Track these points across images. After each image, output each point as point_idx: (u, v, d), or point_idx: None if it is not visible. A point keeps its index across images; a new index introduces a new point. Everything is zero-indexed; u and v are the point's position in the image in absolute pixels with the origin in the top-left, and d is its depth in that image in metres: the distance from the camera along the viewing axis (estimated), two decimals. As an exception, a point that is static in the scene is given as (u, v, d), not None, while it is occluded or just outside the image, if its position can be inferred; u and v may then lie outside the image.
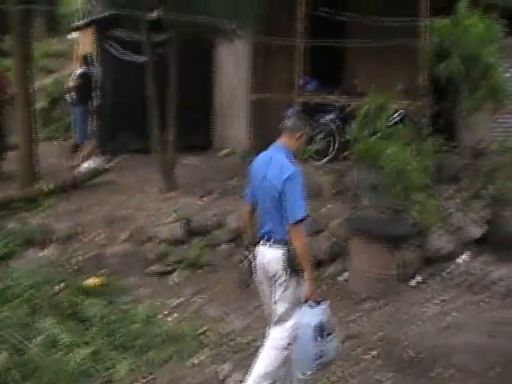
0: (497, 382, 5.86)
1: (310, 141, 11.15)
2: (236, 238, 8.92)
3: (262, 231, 5.25)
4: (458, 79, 10.58)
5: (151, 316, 7.18)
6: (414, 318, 7.29)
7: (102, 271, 8.39)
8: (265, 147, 11.60)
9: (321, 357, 4.97)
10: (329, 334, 5.00)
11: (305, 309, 5.00)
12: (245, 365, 6.23)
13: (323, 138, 11.55)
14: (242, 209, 5.83)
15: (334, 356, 5.22)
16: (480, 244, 9.40)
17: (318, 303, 5.05)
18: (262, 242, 5.23)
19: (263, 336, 6.70)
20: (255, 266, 5.32)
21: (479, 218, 9.51)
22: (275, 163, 5.12)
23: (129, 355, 6.33)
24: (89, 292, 7.47)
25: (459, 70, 10.15)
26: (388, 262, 7.99)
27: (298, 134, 5.31)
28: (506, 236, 9.47)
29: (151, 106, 10.23)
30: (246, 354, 6.53)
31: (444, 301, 7.91)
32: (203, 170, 11.91)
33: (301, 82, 11.54)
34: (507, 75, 13.68)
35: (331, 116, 11.76)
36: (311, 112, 11.81)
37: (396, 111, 11.25)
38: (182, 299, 7.90)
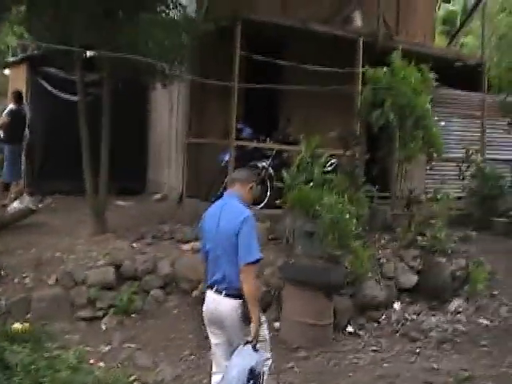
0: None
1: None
2: (167, 284, 8.75)
3: (213, 280, 5.28)
4: (391, 128, 10.76)
5: (79, 363, 6.87)
6: (346, 368, 7.23)
7: (29, 316, 8.08)
8: (199, 191, 11.68)
9: None
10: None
11: (247, 348, 4.99)
12: (174, 417, 6.14)
13: (258, 184, 11.47)
14: (200, 264, 5.77)
15: None
16: (412, 293, 9.47)
17: (256, 350, 5.02)
18: (213, 290, 5.27)
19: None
20: (204, 313, 5.40)
21: (411, 267, 9.58)
22: (229, 208, 5.30)
23: (54, 406, 6.04)
24: (14, 338, 7.14)
25: (392, 119, 10.30)
26: (321, 311, 7.93)
27: (249, 185, 5.49)
28: (436, 285, 9.56)
29: (83, 148, 10.01)
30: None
31: (377, 350, 7.89)
32: (136, 213, 11.71)
33: (237, 127, 11.52)
34: (442, 124, 14.12)
35: (266, 162, 11.74)
36: (246, 158, 11.82)
37: (330, 160, 11.34)
38: (112, 346, 7.67)
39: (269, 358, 5.47)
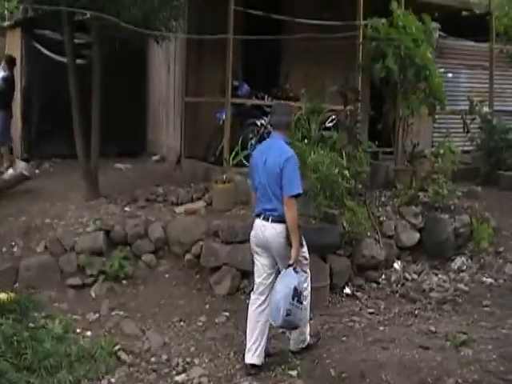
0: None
1: (243, 145, 10.83)
2: (159, 248, 8.52)
3: (262, 209, 6.14)
4: (393, 81, 10.40)
5: (65, 333, 6.69)
6: (340, 332, 6.96)
7: (16, 285, 7.90)
8: (198, 151, 11.42)
9: (288, 315, 5.80)
10: (301, 303, 5.89)
11: (289, 271, 5.88)
12: (159, 386, 5.94)
13: (256, 142, 11.20)
14: (251, 196, 6.60)
15: (301, 321, 6.07)
16: (413, 252, 9.21)
17: (297, 271, 5.93)
18: (261, 218, 6.13)
19: (179, 355, 6.44)
20: (252, 238, 6.26)
21: (412, 225, 9.29)
22: (275, 148, 6.13)
23: (35, 378, 5.85)
24: (-2, 309, 6.95)
25: (394, 71, 9.92)
26: (315, 273, 7.56)
27: (286, 125, 6.32)
28: (439, 243, 9.29)
29: (73, 110, 9.74)
30: (162, 374, 6.19)
31: (374, 313, 7.65)
32: (133, 176, 11.47)
33: (235, 84, 11.20)
34: (449, 75, 13.71)
35: (264, 120, 11.42)
36: (244, 115, 11.53)
37: (329, 116, 11.02)
38: (100, 314, 7.49)
39: (308, 276, 6.35)
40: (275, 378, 6.01)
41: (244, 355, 6.25)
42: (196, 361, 6.39)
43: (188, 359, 6.41)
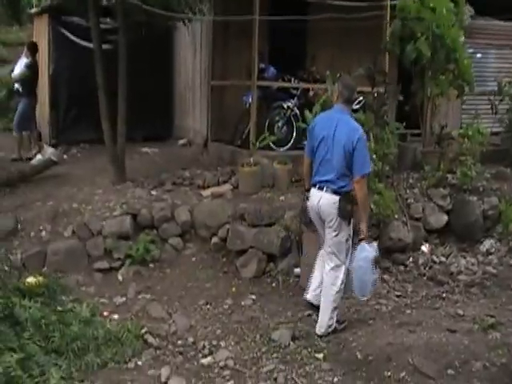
0: (452, 382, 5.51)
1: (269, 128, 10.80)
2: (186, 231, 8.52)
3: (319, 179, 6.33)
4: (423, 63, 10.26)
5: (92, 316, 6.74)
6: (366, 315, 6.94)
7: (44, 270, 7.94)
8: (224, 135, 11.41)
9: (373, 285, 6.43)
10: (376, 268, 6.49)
11: (363, 245, 6.25)
12: (185, 368, 5.98)
13: (283, 125, 11.18)
14: (304, 161, 6.74)
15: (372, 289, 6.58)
16: (441, 234, 9.12)
17: (371, 242, 6.46)
18: (316, 188, 6.35)
19: (205, 337, 6.44)
20: (309, 207, 6.52)
21: (440, 207, 9.20)
22: (345, 123, 6.23)
23: (62, 360, 5.90)
24: (27, 292, 6.99)
25: (425, 52, 9.78)
26: (341, 256, 7.60)
27: (352, 101, 6.59)
28: (467, 225, 9.19)
29: (100, 96, 9.78)
30: (188, 357, 6.20)
31: (401, 295, 7.61)
32: (160, 160, 11.52)
33: (261, 66, 11.14)
34: (478, 56, 13.52)
35: (291, 103, 11.36)
36: (271, 98, 11.49)
37: (356, 98, 10.91)
38: (127, 297, 7.51)
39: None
40: (301, 360, 6.00)
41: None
42: (222, 344, 6.39)
43: (214, 342, 6.41)
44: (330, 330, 6.44)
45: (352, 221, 6.36)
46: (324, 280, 6.49)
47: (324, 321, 6.43)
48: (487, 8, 12.98)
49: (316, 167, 6.39)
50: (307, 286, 6.81)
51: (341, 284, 6.40)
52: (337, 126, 6.20)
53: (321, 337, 6.44)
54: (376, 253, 6.38)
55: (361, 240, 6.24)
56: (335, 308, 6.43)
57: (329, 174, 6.23)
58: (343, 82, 6.58)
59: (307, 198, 6.59)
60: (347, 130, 6.15)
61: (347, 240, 6.39)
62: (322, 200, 6.27)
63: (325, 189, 6.24)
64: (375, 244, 6.57)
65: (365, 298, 6.66)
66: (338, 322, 6.53)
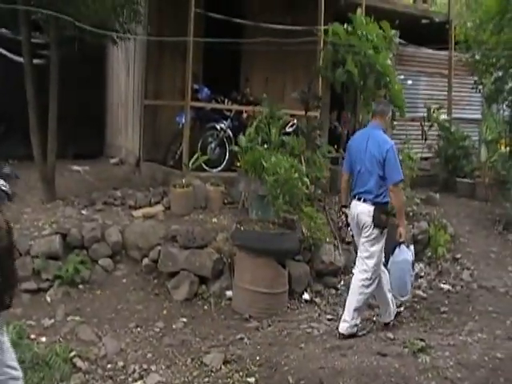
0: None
1: (202, 149, 10.75)
2: (116, 252, 8.38)
3: (357, 191, 6.88)
4: (354, 88, 10.39)
5: (18, 339, 6.51)
6: (298, 339, 6.88)
7: (-32, 291, 7.66)
8: (157, 154, 11.29)
9: (412, 285, 7.00)
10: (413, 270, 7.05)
11: (402, 248, 6.86)
12: (115, 393, 5.83)
13: (216, 146, 11.14)
14: (341, 176, 7.46)
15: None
16: (372, 258, 9.15)
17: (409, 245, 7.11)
18: (355, 199, 6.89)
19: (136, 361, 6.32)
20: (350, 218, 7.04)
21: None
22: (375, 138, 6.77)
23: (-14, 386, 5.69)
24: None
25: (355, 75, 9.91)
26: (274, 279, 7.60)
27: (387, 116, 7.13)
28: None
29: (30, 111, 9.56)
30: (118, 381, 6.06)
31: (333, 319, 7.58)
32: (90, 178, 11.30)
33: (195, 87, 11.10)
34: (409, 82, 13.79)
35: (224, 124, 11.34)
36: (204, 119, 11.44)
37: (289, 121, 10.99)
38: (56, 319, 7.28)
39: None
40: (233, 384, 5.94)
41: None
42: (153, 367, 6.26)
43: (145, 366, 6.28)
44: (351, 330, 6.88)
45: (385, 231, 6.83)
46: (353, 281, 7.00)
47: (347, 320, 6.88)
48: (418, 37, 13.29)
49: (355, 180, 6.98)
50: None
51: (367, 287, 6.87)
52: (368, 139, 6.80)
53: (343, 335, 6.84)
54: (413, 256, 7.03)
55: (401, 243, 6.83)
56: (357, 308, 6.88)
57: (364, 186, 6.78)
58: (377, 101, 7.87)
59: (343, 213, 7.24)
60: (377, 142, 6.70)
61: (380, 250, 6.85)
62: (359, 209, 6.80)
63: (362, 199, 6.78)
64: (412, 247, 7.18)
65: (404, 298, 7.13)
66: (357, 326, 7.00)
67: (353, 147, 7.05)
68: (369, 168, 6.73)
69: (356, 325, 6.91)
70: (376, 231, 6.74)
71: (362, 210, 6.77)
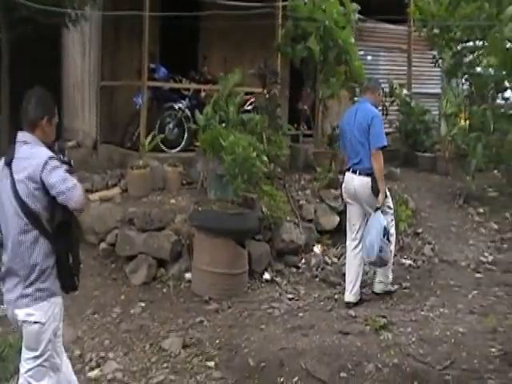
0: (344, 385, 5.46)
1: (161, 129, 10.56)
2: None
3: (351, 163, 7.13)
4: (314, 63, 10.29)
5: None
6: (259, 320, 6.80)
7: None
8: (115, 136, 11.07)
9: (381, 251, 6.82)
10: (388, 240, 6.92)
11: (378, 212, 6.93)
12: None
13: (174, 126, 10.94)
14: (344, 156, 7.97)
15: (389, 259, 7.17)
16: (334, 235, 9.12)
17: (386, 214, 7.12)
18: (350, 171, 7.14)
19: (92, 349, 6.18)
20: (343, 189, 7.28)
21: (332, 208, 9.21)
22: (363, 109, 7.14)
23: None
24: None
25: (316, 52, 9.80)
26: (233, 259, 7.48)
27: (377, 92, 7.51)
28: (359, 226, 9.23)
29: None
30: (75, 370, 5.86)
31: (294, 298, 7.52)
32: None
33: (151, 67, 10.87)
34: (368, 58, 13.70)
35: (182, 104, 11.14)
36: (162, 99, 11.23)
37: (248, 99, 10.84)
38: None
39: (393, 220, 7.44)
40: (192, 369, 5.82)
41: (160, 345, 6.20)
42: (110, 355, 6.12)
43: (102, 354, 6.14)
44: (385, 288, 7.45)
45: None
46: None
47: (382, 279, 7.43)
48: (377, 12, 13.16)
49: (348, 153, 7.27)
50: (345, 287, 7.33)
51: (392, 242, 7.24)
52: (357, 112, 7.16)
53: (378, 294, 7.44)
54: (389, 223, 7.06)
55: (377, 209, 6.93)
56: (390, 266, 7.39)
57: (356, 157, 7.04)
58: (367, 81, 8.34)
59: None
60: (364, 112, 7.04)
61: (388, 207, 7.26)
62: (356, 183, 7.04)
63: (357, 172, 7.02)
64: (390, 218, 7.24)
65: (370, 260, 7.04)
66: (391, 283, 7.54)
67: (344, 123, 7.39)
68: (358, 138, 6.99)
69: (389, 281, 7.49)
70: (375, 198, 6.97)
71: (359, 183, 7.00)
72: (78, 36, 12.32)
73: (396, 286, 7.59)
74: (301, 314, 6.97)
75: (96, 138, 11.72)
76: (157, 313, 6.94)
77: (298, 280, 8.14)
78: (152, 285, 7.69)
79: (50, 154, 3.99)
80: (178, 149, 10.83)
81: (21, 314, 4.07)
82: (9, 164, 4.01)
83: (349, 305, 7.11)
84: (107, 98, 11.79)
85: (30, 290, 4.01)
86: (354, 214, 7.26)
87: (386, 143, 6.99)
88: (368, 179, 6.93)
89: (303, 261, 8.53)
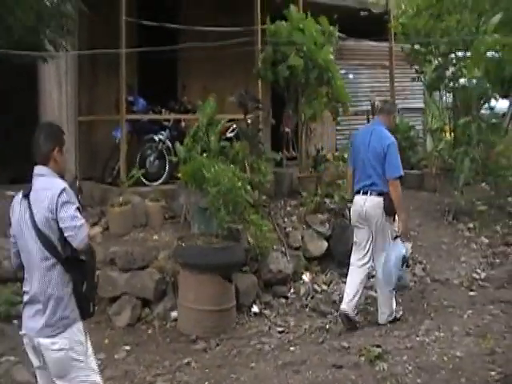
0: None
1: (141, 163, 10.36)
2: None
3: (362, 185, 7.12)
4: (296, 83, 10.17)
5: None
6: (248, 357, 6.57)
7: None
8: (94, 172, 10.85)
9: (399, 280, 6.96)
10: (407, 267, 7.29)
11: (397, 241, 6.97)
12: None
13: (155, 159, 10.73)
14: (346, 172, 7.87)
15: (408, 284, 7.56)
16: (322, 261, 8.95)
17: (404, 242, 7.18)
18: (360, 193, 7.12)
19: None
20: (353, 212, 7.30)
21: (319, 233, 9.03)
22: (377, 133, 7.10)
23: None
24: None
25: (299, 67, 9.67)
26: (220, 295, 7.27)
27: (392, 116, 7.53)
28: (348, 250, 8.92)
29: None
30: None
31: (284, 331, 7.31)
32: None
33: (129, 99, 10.69)
34: (350, 76, 13.59)
35: (163, 135, 10.94)
36: (142, 131, 11.05)
37: (229, 126, 10.67)
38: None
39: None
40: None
41: None
42: (94, 404, 5.88)
43: (85, 403, 5.90)
44: (390, 318, 7.26)
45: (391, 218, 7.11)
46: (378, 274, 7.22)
47: (385, 311, 7.26)
48: (358, 30, 13.07)
49: (358, 175, 7.22)
50: (343, 298, 7.31)
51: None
52: (371, 134, 7.12)
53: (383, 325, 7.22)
54: (407, 252, 7.20)
55: (397, 237, 6.99)
56: (393, 296, 7.27)
57: (368, 179, 7.04)
58: (384, 100, 8.51)
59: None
60: (380, 137, 7.03)
61: (389, 234, 7.11)
62: (367, 203, 7.01)
63: (369, 193, 7.01)
64: (409, 245, 7.53)
65: (389, 289, 7.07)
66: (397, 310, 7.39)
67: (356, 142, 7.37)
68: (372, 162, 7.00)
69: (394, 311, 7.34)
70: (387, 220, 7.01)
71: (371, 204, 7.00)
72: (54, 69, 12.13)
73: (401, 313, 7.42)
74: (292, 349, 6.76)
75: (75, 174, 11.49)
76: (142, 356, 6.70)
77: (287, 311, 7.93)
78: (137, 326, 7.45)
79: (64, 185, 4.18)
80: (160, 181, 10.62)
81: (45, 342, 4.17)
82: (27, 196, 4.22)
83: (344, 319, 7.14)
84: (86, 132, 11.56)
85: (53, 320, 4.14)
86: (362, 237, 7.21)
87: (402, 173, 7.01)
88: (380, 199, 6.96)
89: (292, 290, 8.33)
